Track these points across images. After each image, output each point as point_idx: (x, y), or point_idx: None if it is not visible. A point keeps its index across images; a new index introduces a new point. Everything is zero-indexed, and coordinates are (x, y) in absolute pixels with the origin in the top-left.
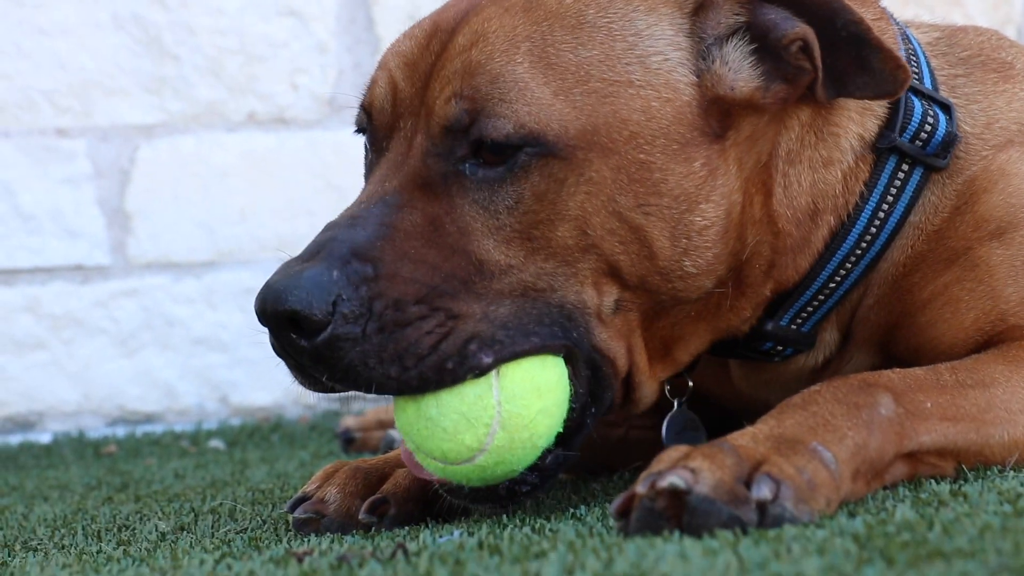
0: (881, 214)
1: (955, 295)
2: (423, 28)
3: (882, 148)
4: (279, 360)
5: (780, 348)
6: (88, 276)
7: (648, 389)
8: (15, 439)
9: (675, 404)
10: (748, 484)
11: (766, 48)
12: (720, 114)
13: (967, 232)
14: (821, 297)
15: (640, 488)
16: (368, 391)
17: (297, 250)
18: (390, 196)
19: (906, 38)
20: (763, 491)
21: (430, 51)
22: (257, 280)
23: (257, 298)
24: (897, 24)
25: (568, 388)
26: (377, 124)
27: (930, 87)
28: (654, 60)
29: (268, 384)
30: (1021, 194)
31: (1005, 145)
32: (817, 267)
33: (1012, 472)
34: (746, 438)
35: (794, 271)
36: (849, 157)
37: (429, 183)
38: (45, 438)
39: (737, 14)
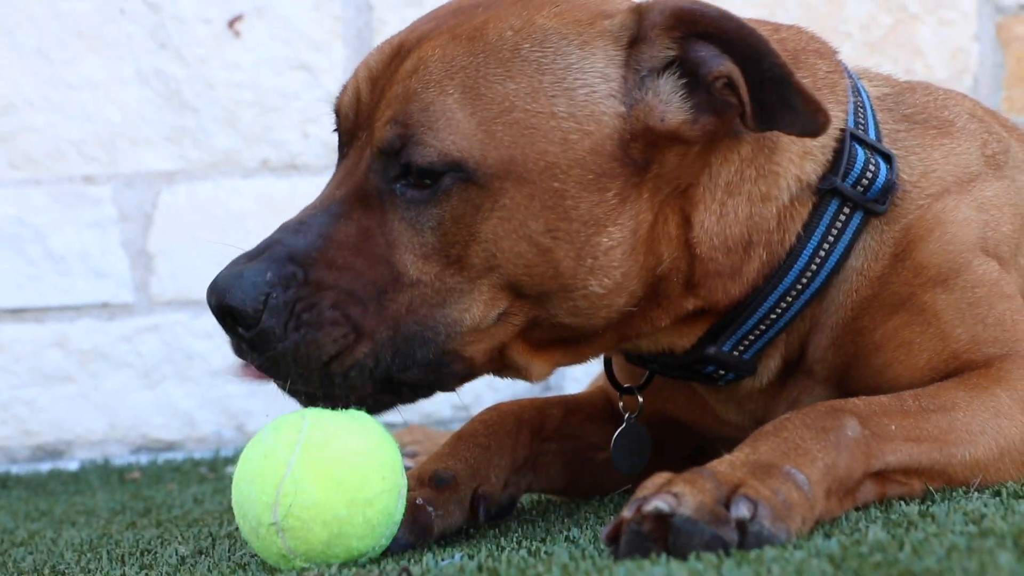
0: (822, 253)
1: (907, 338)
2: (391, 44)
3: (824, 190)
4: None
5: (722, 372)
6: (113, 313)
7: (536, 367)
8: (45, 467)
9: (626, 419)
10: (727, 506)
11: (696, 83)
12: (646, 145)
13: (908, 278)
14: (763, 327)
15: (627, 513)
16: (286, 384)
17: None
18: (334, 206)
19: (856, 91)
20: (742, 510)
21: (390, 69)
22: None
23: (207, 291)
24: (851, 77)
25: (374, 422)
26: (343, 129)
27: (874, 138)
28: (580, 92)
29: (281, 412)
30: (957, 241)
31: (941, 194)
32: (758, 298)
33: (976, 493)
34: (724, 464)
35: (723, 295)
36: (784, 195)
37: (368, 196)
38: (73, 466)
39: (669, 48)
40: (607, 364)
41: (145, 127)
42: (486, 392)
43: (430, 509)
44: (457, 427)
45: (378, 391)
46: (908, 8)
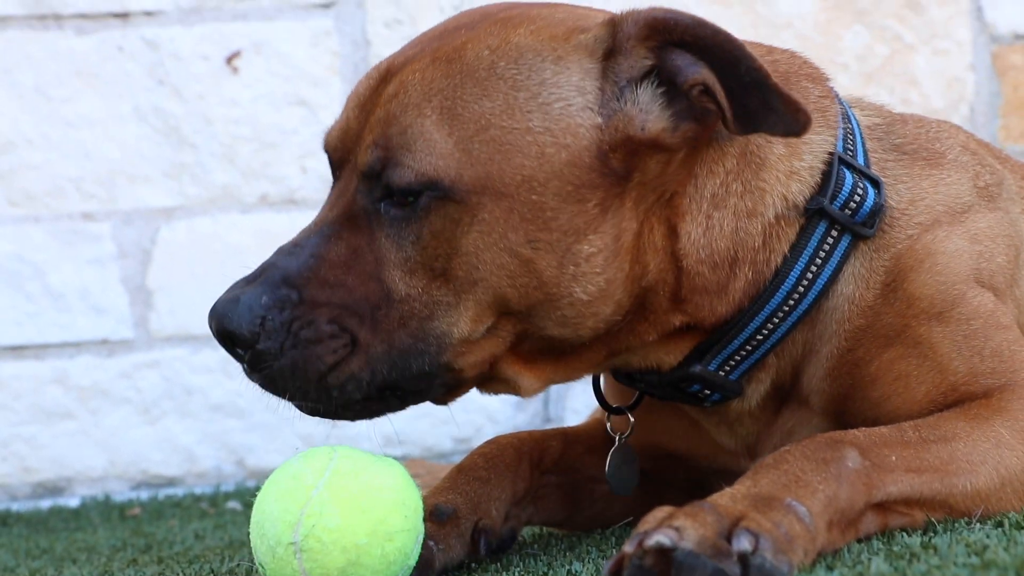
0: (809, 275)
1: (904, 371)
2: (379, 69)
3: (811, 210)
4: (291, 423)
5: (707, 392)
6: (113, 349)
7: (526, 381)
8: (45, 504)
9: (617, 439)
10: (729, 539)
11: (675, 91)
12: (626, 154)
13: (902, 309)
14: (749, 347)
15: (628, 547)
16: (287, 399)
17: None
18: (326, 227)
19: (847, 118)
20: (743, 544)
21: (376, 93)
22: None
23: (208, 314)
24: (843, 104)
25: (401, 467)
26: (333, 158)
27: (863, 164)
28: (556, 107)
29: (281, 447)
30: (949, 272)
31: (932, 225)
32: (745, 318)
33: (978, 524)
34: (725, 498)
35: (709, 312)
36: (770, 212)
37: (357, 217)
38: (73, 502)
39: (646, 58)
40: (596, 384)
41: (144, 164)
42: (486, 425)
43: (431, 543)
44: (457, 460)
45: (369, 399)
46: (904, 39)
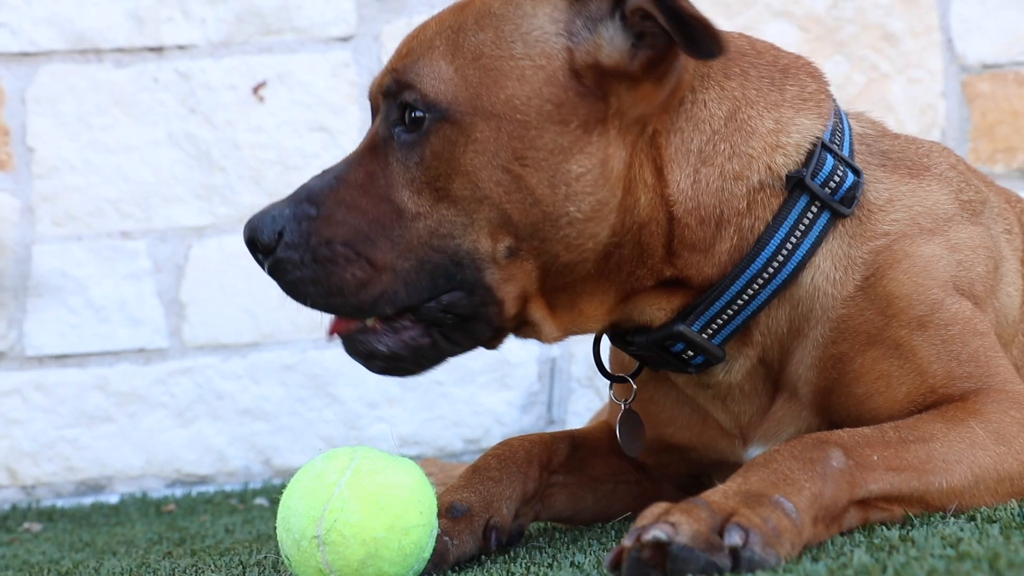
0: (789, 245)
1: (885, 371)
2: (418, 27)
3: (793, 178)
4: (314, 425)
5: (691, 353)
6: (149, 358)
7: (548, 328)
8: (88, 500)
9: (623, 405)
10: (721, 534)
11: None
12: (598, 77)
13: (882, 307)
14: (730, 311)
15: (627, 541)
16: (309, 307)
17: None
18: (353, 156)
19: (839, 117)
20: (734, 538)
21: (407, 43)
22: (294, 358)
23: (243, 227)
24: (838, 105)
25: (418, 468)
26: (373, 104)
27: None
28: (533, 35)
29: (305, 448)
30: (926, 275)
31: (910, 229)
32: (727, 281)
33: (953, 519)
34: (717, 495)
35: (696, 271)
36: (755, 178)
37: (377, 147)
38: (114, 499)
39: None
40: (597, 358)
41: (177, 186)
42: (495, 426)
43: (446, 539)
44: (468, 459)
45: (417, 327)
46: (880, 68)
